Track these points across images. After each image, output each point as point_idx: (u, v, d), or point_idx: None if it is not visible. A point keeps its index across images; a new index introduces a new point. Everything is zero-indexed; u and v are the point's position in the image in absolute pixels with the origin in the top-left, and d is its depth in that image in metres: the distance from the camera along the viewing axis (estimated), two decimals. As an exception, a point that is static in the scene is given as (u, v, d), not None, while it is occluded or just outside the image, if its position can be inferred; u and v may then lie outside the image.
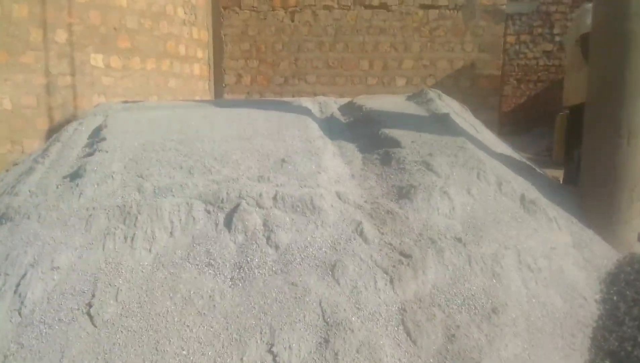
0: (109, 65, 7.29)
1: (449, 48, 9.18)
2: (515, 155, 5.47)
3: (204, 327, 3.00)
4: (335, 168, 4.36)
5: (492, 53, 9.09)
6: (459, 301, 3.30)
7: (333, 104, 6.03)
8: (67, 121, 6.15)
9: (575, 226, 4.24)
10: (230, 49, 9.48)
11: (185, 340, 2.92)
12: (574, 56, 7.61)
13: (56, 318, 3.07)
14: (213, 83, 9.48)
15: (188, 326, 2.99)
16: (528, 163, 5.13)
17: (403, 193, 3.98)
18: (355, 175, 4.40)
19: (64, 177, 4.27)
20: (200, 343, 2.91)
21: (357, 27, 9.23)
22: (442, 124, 4.98)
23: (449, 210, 3.86)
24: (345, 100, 6.28)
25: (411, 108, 5.50)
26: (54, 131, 6.35)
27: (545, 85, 16.77)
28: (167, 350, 2.86)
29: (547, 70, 16.89)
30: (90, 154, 4.51)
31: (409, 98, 5.97)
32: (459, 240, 3.64)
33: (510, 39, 16.44)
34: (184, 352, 2.86)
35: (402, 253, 3.49)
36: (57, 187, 4.14)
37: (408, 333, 3.08)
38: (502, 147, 5.53)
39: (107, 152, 4.41)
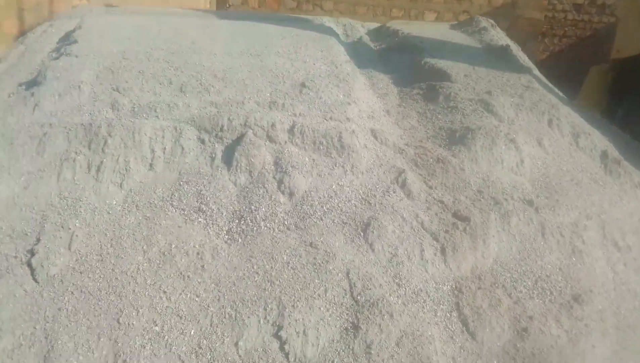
0: (95, -35, 6.12)
1: (489, -18, 8.00)
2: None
3: (186, 295, 2.17)
4: (368, 101, 3.43)
5: (538, -8, 7.93)
6: (529, 283, 2.48)
7: (360, 28, 5.01)
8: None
9: (660, 196, 3.39)
10: (239, -37, 8.26)
11: (160, 311, 2.10)
12: (633, 1, 6.63)
13: (-14, 268, 2.23)
14: (215, 2, 8.31)
15: (165, 292, 2.16)
16: (598, 114, 4.21)
17: (456, 138, 3.08)
18: (390, 112, 3.47)
19: (20, 85, 3.33)
20: (181, 318, 2.09)
21: (386, -51, 7.99)
22: (500, 57, 4.03)
23: (516, 164, 2.98)
24: (374, 24, 5.23)
25: (459, 38, 4.51)
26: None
27: (571, 41, 15.48)
28: (133, 324, 2.04)
29: (575, 25, 15.51)
30: (56, 60, 3.53)
31: (454, 27, 4.96)
32: (530, 202, 2.78)
33: (539, -14, 14.95)
34: (156, 328, 2.04)
35: (456, 215, 2.64)
36: (9, 96, 3.20)
37: (464, 323, 2.28)
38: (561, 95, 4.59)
39: (76, 57, 3.45)
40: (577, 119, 3.47)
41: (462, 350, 2.20)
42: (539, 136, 3.17)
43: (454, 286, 2.38)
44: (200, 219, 2.47)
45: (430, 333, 2.19)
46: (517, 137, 3.05)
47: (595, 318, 2.43)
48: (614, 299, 2.56)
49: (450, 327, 2.26)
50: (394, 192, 2.66)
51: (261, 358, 1.99)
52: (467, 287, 2.38)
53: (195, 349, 1.99)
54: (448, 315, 2.29)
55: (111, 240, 2.33)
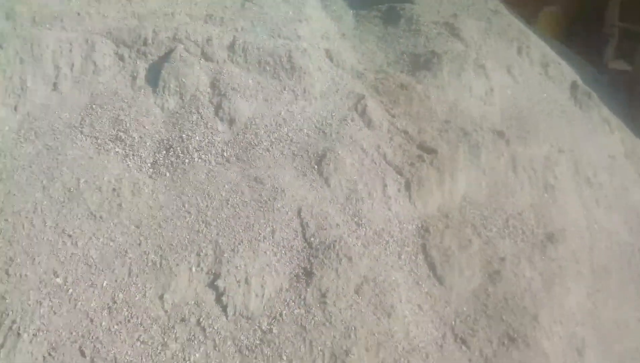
0: None
1: None
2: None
3: (98, 239, 1.75)
4: (321, 21, 2.99)
5: None
6: (500, 222, 2.24)
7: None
8: None
9: (625, 131, 3.23)
10: None
11: (63, 260, 1.67)
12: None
13: None
14: None
15: (70, 236, 1.73)
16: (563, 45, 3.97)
17: (421, 63, 2.73)
18: (346, 35, 3.06)
19: None
20: (90, 267, 1.68)
21: None
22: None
23: (485, 92, 2.68)
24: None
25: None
26: None
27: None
28: (26, 276, 1.61)
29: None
30: None
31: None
32: (500, 134, 2.51)
33: None
34: (58, 280, 1.63)
35: (422, 147, 2.32)
36: None
37: (432, 267, 2.01)
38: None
39: (-40, -46, 2.74)
40: (546, 48, 3.21)
41: (429, 297, 1.93)
42: (509, 63, 2.89)
43: (419, 226, 2.10)
44: (117, 150, 2.02)
45: (393, 279, 1.90)
46: (487, 63, 2.74)
47: (570, 259, 2.24)
48: (587, 239, 2.38)
49: (416, 271, 1.99)
50: (353, 120, 2.30)
51: (192, 313, 1.63)
52: (434, 226, 2.10)
53: (108, 304, 1.60)
54: (413, 257, 2.01)
55: (1, 173, 1.85)
